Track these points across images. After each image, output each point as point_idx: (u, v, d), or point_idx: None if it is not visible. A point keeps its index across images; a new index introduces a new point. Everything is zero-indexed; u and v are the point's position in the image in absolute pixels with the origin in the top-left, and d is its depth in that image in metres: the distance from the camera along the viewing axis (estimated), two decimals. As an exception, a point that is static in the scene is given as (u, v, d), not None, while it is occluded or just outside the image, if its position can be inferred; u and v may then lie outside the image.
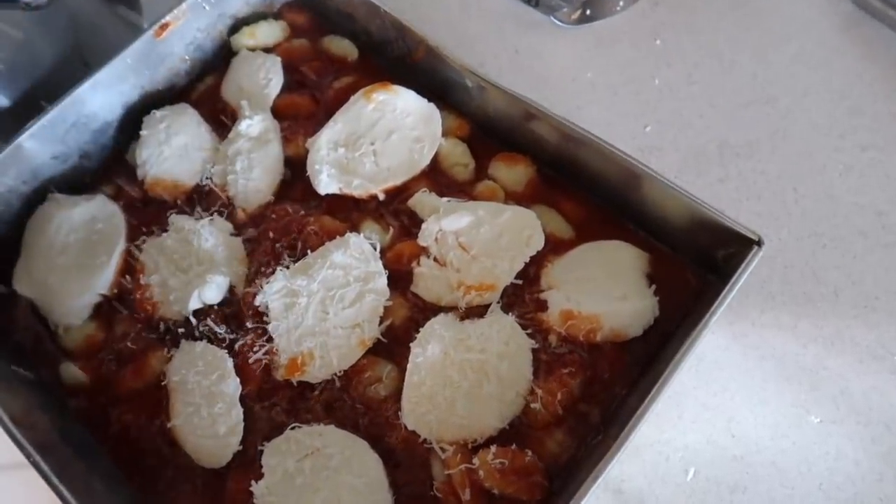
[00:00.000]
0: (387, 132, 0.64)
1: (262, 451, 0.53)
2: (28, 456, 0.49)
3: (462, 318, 0.57)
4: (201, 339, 0.58)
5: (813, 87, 0.74)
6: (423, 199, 0.61)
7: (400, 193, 0.63)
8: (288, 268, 0.59)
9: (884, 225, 0.67)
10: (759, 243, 0.52)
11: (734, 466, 0.58)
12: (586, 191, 0.63)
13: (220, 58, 0.74)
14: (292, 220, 0.61)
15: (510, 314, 0.56)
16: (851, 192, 0.68)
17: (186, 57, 0.72)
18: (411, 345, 0.54)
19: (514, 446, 0.51)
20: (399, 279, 0.59)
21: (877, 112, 0.73)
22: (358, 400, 0.55)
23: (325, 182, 0.62)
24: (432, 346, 0.54)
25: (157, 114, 0.68)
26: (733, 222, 0.54)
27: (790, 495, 0.57)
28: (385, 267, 0.58)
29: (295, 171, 0.65)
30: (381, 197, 0.62)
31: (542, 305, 0.57)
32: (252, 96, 0.68)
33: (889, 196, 0.68)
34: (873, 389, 0.60)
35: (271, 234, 0.61)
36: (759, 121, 0.73)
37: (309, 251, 0.59)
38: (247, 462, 0.54)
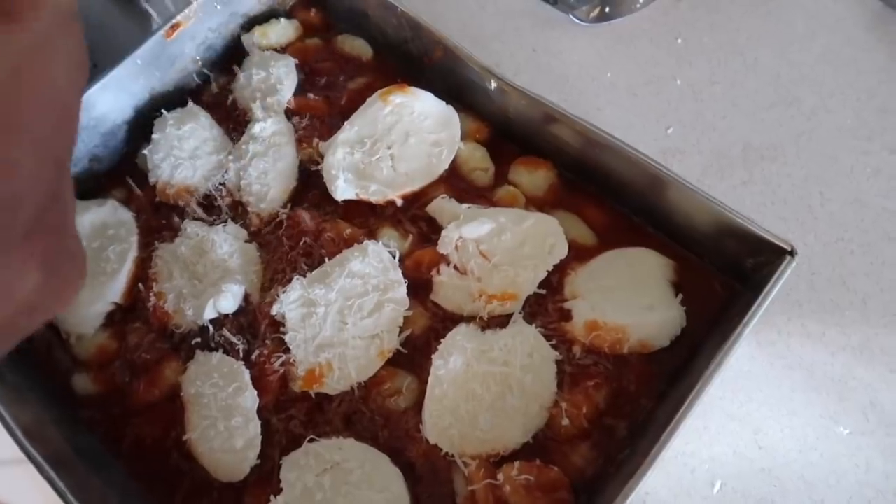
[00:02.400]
0: (404, 136, 0.62)
1: (280, 465, 0.52)
2: (42, 471, 0.48)
3: (483, 328, 0.55)
4: (216, 350, 0.57)
5: (839, 87, 0.73)
6: (442, 205, 0.60)
7: (418, 199, 0.61)
8: (304, 276, 0.57)
9: (913, 230, 0.65)
10: (791, 253, 0.51)
11: (761, 479, 0.57)
12: (609, 196, 0.61)
13: (231, 58, 0.72)
14: (308, 227, 0.60)
15: (533, 324, 0.54)
16: (880, 196, 0.67)
17: (198, 58, 0.71)
18: (433, 357, 0.53)
19: (538, 461, 0.50)
20: (418, 288, 0.57)
21: (905, 113, 0.71)
22: (377, 412, 0.54)
23: (342, 188, 0.60)
24: (454, 358, 0.52)
25: (169, 116, 0.67)
26: (764, 230, 0.52)
27: (819, 509, 0.56)
28: (404, 275, 0.57)
29: (310, 175, 0.64)
30: (399, 203, 0.61)
31: (566, 315, 0.55)
32: (265, 98, 0.66)
33: (918, 200, 0.66)
34: (904, 400, 0.58)
35: (286, 241, 0.60)
36: (783, 122, 0.71)
37: (326, 258, 0.58)
38: (264, 476, 0.53)
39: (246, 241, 0.61)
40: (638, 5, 0.78)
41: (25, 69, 0.22)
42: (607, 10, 0.78)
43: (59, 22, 0.23)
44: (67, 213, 0.28)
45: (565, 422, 0.51)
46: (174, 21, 0.66)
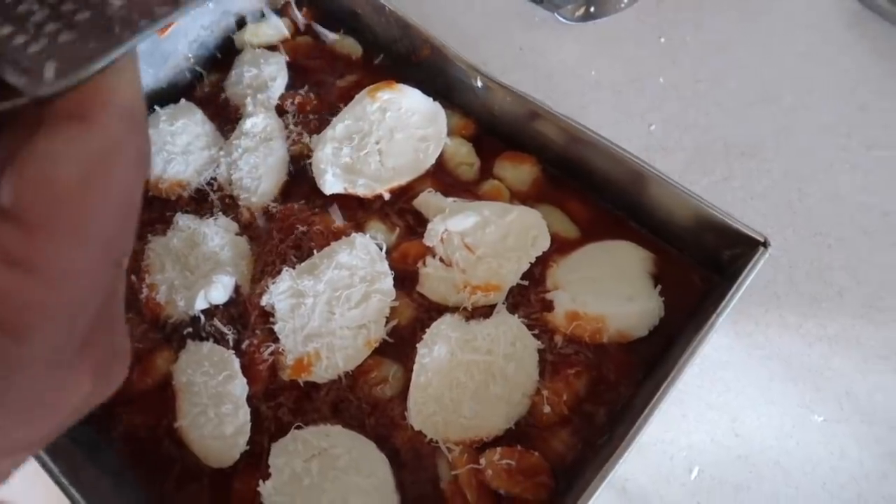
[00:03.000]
0: (391, 132, 0.63)
1: (269, 451, 0.53)
2: (37, 457, 0.50)
3: (468, 319, 0.57)
4: (207, 340, 0.58)
5: (819, 86, 0.74)
6: (428, 199, 0.61)
7: (405, 193, 0.62)
8: (293, 267, 0.59)
9: (890, 225, 0.66)
10: (765, 244, 0.52)
11: (738, 465, 0.58)
12: (592, 191, 0.63)
13: (224, 56, 0.74)
14: (297, 220, 0.61)
15: (516, 315, 0.56)
16: (857, 192, 0.68)
17: (190, 55, 0.72)
18: (418, 345, 0.55)
19: (519, 447, 0.52)
20: (404, 279, 0.59)
21: (883, 110, 0.72)
22: (364, 400, 0.55)
23: (331, 182, 0.62)
24: (439, 347, 0.54)
25: (161, 112, 0.68)
26: (739, 223, 0.54)
27: (794, 495, 0.57)
28: (391, 267, 0.58)
29: (299, 170, 0.65)
30: (387, 196, 0.62)
31: (548, 306, 0.57)
32: (256, 94, 0.68)
33: (895, 195, 0.68)
34: (878, 389, 0.60)
35: (276, 234, 0.61)
36: (764, 119, 0.73)
37: (314, 251, 0.59)
38: (254, 462, 0.54)
39: (237, 234, 0.63)
40: (622, 5, 0.80)
41: (94, 173, 0.21)
42: (592, 9, 0.80)
43: (127, 120, 0.23)
44: (120, 309, 0.27)
45: (546, 409, 0.53)
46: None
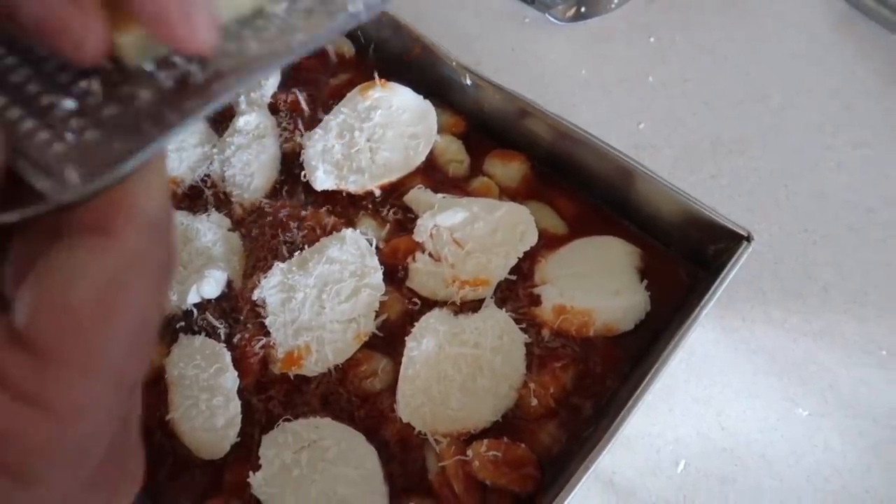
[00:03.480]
0: (382, 129, 0.64)
1: (259, 443, 0.54)
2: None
3: (456, 313, 0.57)
4: (199, 334, 0.59)
5: (805, 85, 0.75)
6: (418, 196, 0.62)
7: (395, 189, 0.63)
8: (285, 262, 0.60)
9: (874, 221, 0.67)
10: (748, 238, 0.53)
11: (724, 458, 0.59)
12: (580, 187, 0.63)
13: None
14: (289, 216, 0.62)
15: (504, 309, 0.56)
16: (842, 189, 0.69)
17: (184, 54, 0.73)
18: (406, 339, 0.55)
19: (506, 439, 0.52)
20: (394, 274, 0.60)
21: (869, 109, 0.73)
22: (354, 393, 0.56)
23: (322, 178, 0.62)
24: (427, 340, 0.55)
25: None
26: (723, 218, 0.55)
27: (778, 487, 0.58)
28: (381, 262, 0.59)
29: (291, 167, 0.66)
30: (377, 193, 0.63)
31: (536, 300, 0.58)
32: (249, 93, 0.69)
33: (880, 193, 0.69)
34: (862, 383, 0.61)
35: (268, 230, 0.62)
36: (751, 118, 0.74)
37: (306, 246, 0.60)
38: (244, 454, 0.55)
39: (229, 230, 0.63)
40: (613, 5, 0.81)
41: (112, 296, 0.20)
42: (583, 9, 0.80)
43: (150, 232, 0.21)
44: (134, 435, 0.25)
45: (533, 402, 0.53)
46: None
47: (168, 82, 0.22)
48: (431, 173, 0.64)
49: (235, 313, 0.60)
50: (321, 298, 0.57)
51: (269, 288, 0.58)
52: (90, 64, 0.21)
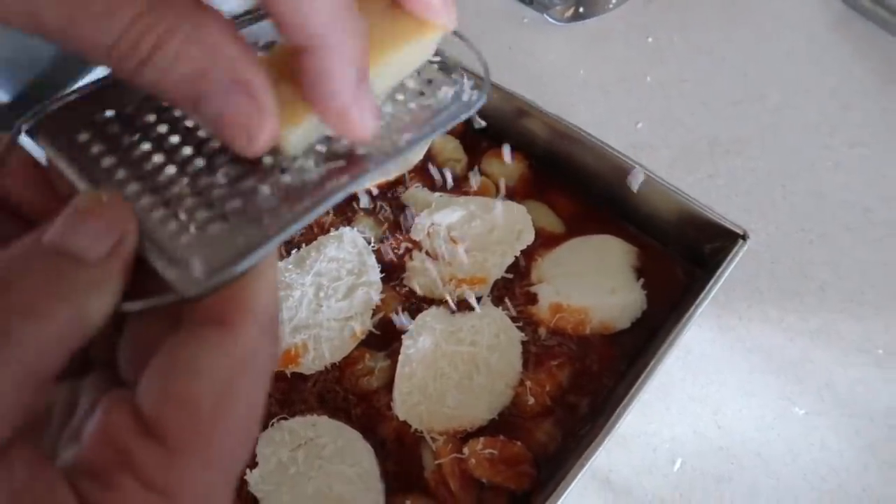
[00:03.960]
0: (380, 128, 0.64)
1: (256, 441, 0.54)
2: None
3: (453, 311, 0.58)
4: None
5: (803, 85, 0.75)
6: (415, 194, 0.62)
7: (393, 188, 0.63)
8: (282, 260, 0.60)
9: (871, 221, 0.67)
10: (744, 237, 0.53)
11: (720, 457, 0.59)
12: (578, 186, 0.63)
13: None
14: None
15: (501, 307, 0.57)
16: (839, 189, 0.69)
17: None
18: (403, 337, 0.55)
19: (502, 436, 0.52)
20: (391, 272, 0.60)
21: (866, 109, 0.73)
22: (350, 391, 0.56)
23: (320, 177, 0.63)
24: (423, 338, 0.55)
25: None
26: (720, 217, 0.55)
27: (775, 486, 0.58)
28: (378, 261, 0.59)
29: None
30: (375, 192, 0.63)
31: (533, 299, 0.58)
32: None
33: (876, 192, 0.69)
34: (858, 382, 0.61)
35: (266, 228, 0.62)
36: (749, 118, 0.74)
37: (303, 244, 0.60)
38: (241, 451, 0.55)
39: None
40: (611, 5, 0.81)
41: (231, 389, 0.21)
42: (581, 10, 0.81)
43: (264, 328, 0.22)
44: None
45: (530, 400, 0.54)
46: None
47: (287, 179, 0.23)
48: (429, 172, 0.64)
49: (233, 311, 0.60)
50: (318, 296, 0.57)
51: (267, 286, 0.58)
52: (254, 155, 0.23)
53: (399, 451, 0.54)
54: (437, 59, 0.28)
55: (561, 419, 0.54)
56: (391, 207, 0.63)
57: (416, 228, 0.60)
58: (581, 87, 0.78)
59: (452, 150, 0.65)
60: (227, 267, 0.21)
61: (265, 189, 0.23)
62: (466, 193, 0.62)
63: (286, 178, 0.23)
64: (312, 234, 0.60)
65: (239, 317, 0.21)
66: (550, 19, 0.81)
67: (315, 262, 0.58)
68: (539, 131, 0.62)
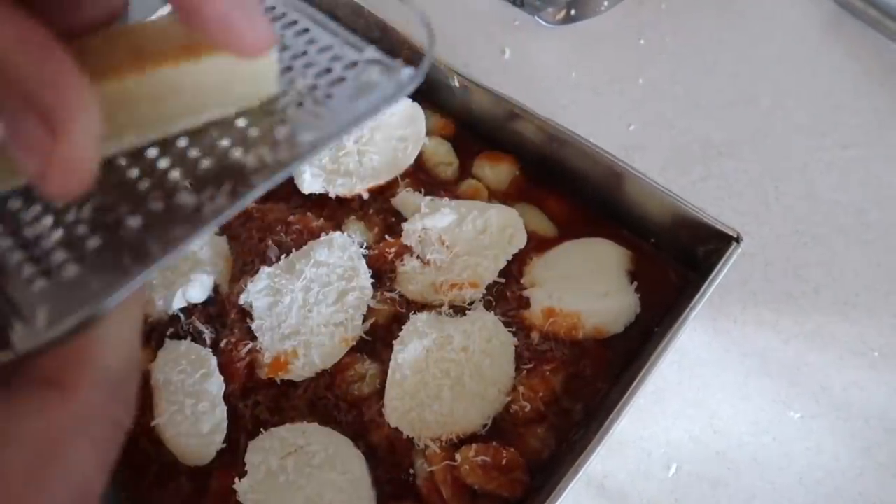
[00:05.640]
0: (371, 131, 0.64)
1: (246, 449, 0.53)
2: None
3: (445, 316, 0.57)
4: (185, 338, 0.58)
5: (795, 86, 0.75)
6: (406, 198, 0.61)
7: (384, 192, 0.63)
8: (272, 266, 0.59)
9: (864, 222, 0.67)
10: (737, 239, 0.53)
11: (716, 461, 0.59)
12: (570, 189, 0.63)
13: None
14: (276, 219, 0.61)
15: (493, 312, 0.56)
16: (832, 190, 0.69)
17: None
18: (394, 342, 0.55)
19: (495, 443, 0.52)
20: (382, 277, 0.59)
21: (858, 110, 0.73)
22: (341, 398, 0.55)
23: (309, 181, 0.62)
24: (414, 344, 0.54)
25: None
26: (713, 219, 0.54)
27: (771, 490, 0.57)
28: (369, 265, 0.58)
29: (280, 170, 0.66)
30: (366, 196, 0.63)
31: (525, 303, 0.57)
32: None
33: (869, 194, 0.69)
34: (853, 385, 0.60)
35: (256, 233, 0.62)
36: (741, 120, 0.74)
37: (293, 249, 0.60)
38: (230, 460, 0.54)
39: (216, 234, 0.63)
40: (602, 8, 0.81)
41: (50, 456, 0.18)
42: (573, 12, 0.80)
43: (108, 387, 0.20)
44: None
45: (523, 405, 0.53)
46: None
47: (157, 205, 0.21)
48: (420, 176, 0.64)
49: (222, 318, 0.59)
50: (308, 302, 0.57)
51: (256, 292, 0.57)
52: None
53: (391, 459, 0.53)
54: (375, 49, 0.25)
55: (554, 425, 0.54)
56: (382, 212, 0.62)
57: (407, 233, 0.59)
58: (573, 90, 0.77)
59: (444, 153, 0.65)
60: (72, 314, 0.18)
61: (132, 221, 0.20)
62: (458, 197, 0.62)
63: (156, 206, 0.21)
64: (303, 239, 0.60)
65: (75, 377, 0.19)
66: (542, 22, 0.81)
67: (305, 267, 0.57)
68: (531, 134, 0.62)
